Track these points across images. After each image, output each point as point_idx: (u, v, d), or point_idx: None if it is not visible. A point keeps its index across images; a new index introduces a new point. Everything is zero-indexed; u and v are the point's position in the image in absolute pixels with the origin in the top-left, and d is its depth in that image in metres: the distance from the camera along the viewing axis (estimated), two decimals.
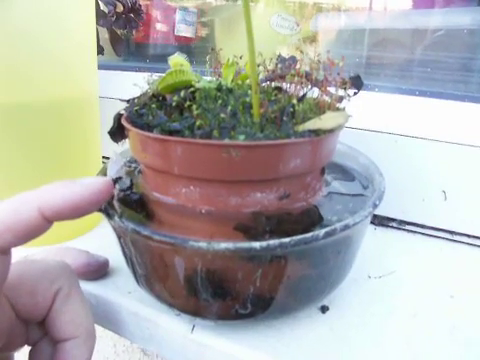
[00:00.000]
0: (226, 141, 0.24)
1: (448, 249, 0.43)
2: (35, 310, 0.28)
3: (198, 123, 0.25)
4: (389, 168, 0.39)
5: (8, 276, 0.25)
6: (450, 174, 0.43)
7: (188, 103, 0.27)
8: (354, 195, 0.33)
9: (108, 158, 0.55)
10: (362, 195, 0.33)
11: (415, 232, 0.46)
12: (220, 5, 0.76)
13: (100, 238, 0.44)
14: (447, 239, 0.45)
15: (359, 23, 0.55)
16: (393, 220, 0.46)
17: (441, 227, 0.44)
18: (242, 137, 0.25)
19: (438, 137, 0.42)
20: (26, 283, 0.28)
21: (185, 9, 0.73)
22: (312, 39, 0.60)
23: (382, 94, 0.45)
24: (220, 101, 0.27)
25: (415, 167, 0.44)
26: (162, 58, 0.76)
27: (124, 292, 0.36)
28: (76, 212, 0.25)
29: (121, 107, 0.34)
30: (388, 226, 0.47)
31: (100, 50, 0.56)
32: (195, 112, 0.26)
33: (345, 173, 0.36)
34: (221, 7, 0.76)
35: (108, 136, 0.33)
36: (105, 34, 0.63)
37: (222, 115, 0.25)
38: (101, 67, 0.49)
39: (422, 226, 0.45)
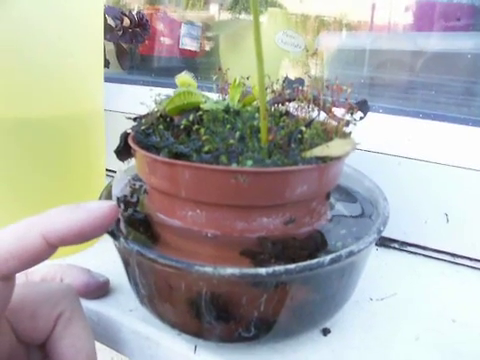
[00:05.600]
0: (234, 167, 0.25)
1: (450, 272, 0.43)
2: (36, 334, 0.27)
3: (206, 148, 0.25)
4: (392, 190, 0.39)
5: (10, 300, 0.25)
6: (453, 197, 0.43)
7: (196, 126, 0.27)
8: (358, 219, 0.33)
9: (113, 171, 0.55)
10: (366, 219, 0.33)
11: (417, 254, 0.46)
12: (224, 20, 0.77)
13: (102, 253, 0.44)
14: (449, 261, 0.45)
15: (363, 43, 0.56)
16: (395, 241, 0.46)
17: (443, 249, 0.44)
18: (250, 163, 0.25)
19: (441, 160, 0.42)
20: (28, 307, 0.28)
21: (190, 23, 0.74)
22: (317, 57, 0.60)
23: (386, 116, 0.46)
24: (228, 126, 0.27)
25: (418, 189, 0.44)
26: (167, 71, 0.77)
27: (126, 310, 0.36)
28: (80, 238, 0.25)
29: (125, 121, 0.34)
30: (390, 247, 0.47)
31: (106, 63, 0.57)
32: (203, 137, 0.26)
33: (349, 196, 0.36)
34: (226, 22, 0.77)
35: (112, 150, 0.33)
36: (110, 45, 0.64)
37: (231, 141, 0.25)
38: (106, 80, 0.49)
39: (424, 248, 0.45)
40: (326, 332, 0.34)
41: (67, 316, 0.28)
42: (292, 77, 0.36)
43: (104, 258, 0.40)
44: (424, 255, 0.46)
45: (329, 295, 0.30)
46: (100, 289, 0.37)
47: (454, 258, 0.44)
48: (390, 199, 0.34)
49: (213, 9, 0.82)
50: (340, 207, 0.34)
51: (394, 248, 0.47)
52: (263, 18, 0.73)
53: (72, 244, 0.25)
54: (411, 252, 0.46)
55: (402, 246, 0.46)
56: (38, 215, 0.25)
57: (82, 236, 0.25)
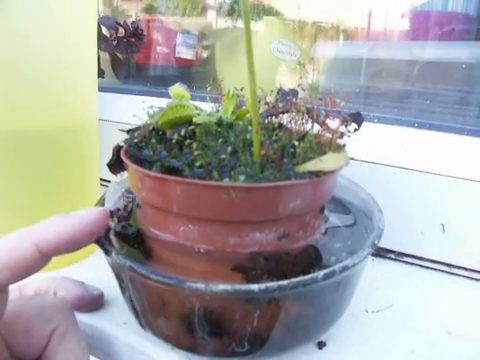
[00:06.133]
0: (226, 182, 0.24)
1: (446, 282, 0.43)
2: (30, 349, 0.27)
3: (198, 163, 0.25)
4: (387, 200, 0.39)
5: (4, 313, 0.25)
6: (449, 207, 0.43)
7: (188, 141, 0.27)
8: (353, 232, 0.33)
9: (107, 181, 0.55)
10: (361, 231, 0.32)
11: (413, 264, 0.46)
12: (221, 29, 0.77)
13: (95, 266, 0.43)
14: (445, 272, 0.44)
15: (359, 52, 0.56)
16: (391, 252, 0.46)
17: (439, 260, 0.44)
18: (242, 177, 0.25)
19: (437, 170, 0.42)
20: (21, 321, 0.27)
21: (186, 32, 0.74)
22: (313, 64, 0.60)
23: (381, 125, 0.46)
24: (221, 140, 0.27)
25: (413, 200, 0.44)
26: (163, 80, 0.77)
27: (119, 323, 0.36)
28: (73, 245, 0.25)
29: (119, 133, 0.34)
30: (386, 257, 0.47)
31: (100, 73, 0.56)
32: (195, 152, 0.26)
33: (344, 208, 0.36)
34: (222, 31, 0.77)
35: (106, 161, 0.33)
36: (105, 55, 0.63)
37: (223, 156, 0.25)
38: (101, 89, 0.49)
39: (420, 258, 0.45)
40: (321, 345, 0.34)
41: (61, 331, 0.28)
42: (288, 85, 0.36)
43: (97, 271, 0.39)
44: (420, 265, 0.45)
45: (323, 309, 0.30)
46: (94, 302, 0.37)
47: (450, 268, 0.44)
48: (386, 210, 0.34)
49: (210, 16, 0.83)
50: (334, 219, 0.34)
51: (390, 258, 0.47)
52: (259, 26, 0.74)
53: (65, 252, 0.25)
54: (407, 262, 0.46)
55: (398, 256, 0.46)
56: (29, 226, 0.25)
57: (74, 243, 0.25)
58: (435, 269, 0.45)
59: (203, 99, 0.38)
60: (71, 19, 0.39)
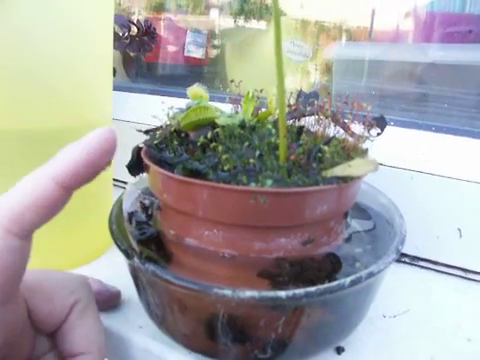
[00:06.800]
0: (255, 188, 0.24)
1: (462, 287, 0.43)
2: (50, 318, 0.27)
3: (226, 167, 0.25)
4: (404, 204, 0.39)
5: (28, 279, 0.25)
6: (466, 212, 0.42)
7: (214, 145, 0.27)
8: (373, 237, 0.32)
9: (119, 181, 0.55)
10: (382, 237, 0.32)
11: (428, 268, 0.45)
12: (230, 28, 0.76)
13: (109, 266, 0.43)
14: (461, 277, 0.44)
15: (373, 54, 0.55)
16: (406, 255, 0.46)
17: (455, 264, 0.44)
18: (269, 182, 0.24)
19: (454, 175, 0.42)
20: (45, 289, 0.27)
21: (196, 31, 0.73)
22: (326, 68, 0.60)
23: (398, 129, 0.45)
24: (246, 143, 0.27)
25: (430, 204, 0.43)
26: (172, 79, 0.76)
27: (135, 326, 0.35)
28: (91, 169, 0.24)
29: (130, 130, 0.33)
30: (400, 261, 0.46)
31: (113, 72, 0.56)
32: (223, 156, 0.25)
33: (365, 213, 0.35)
34: (231, 30, 0.76)
35: (120, 160, 0.32)
36: (116, 53, 0.63)
37: (251, 160, 0.25)
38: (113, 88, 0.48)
39: (435, 263, 0.45)
40: (340, 351, 0.34)
41: (82, 305, 0.28)
42: (293, 85, 0.36)
43: (111, 272, 0.39)
44: (436, 270, 0.45)
45: (345, 315, 0.30)
46: (112, 299, 0.37)
47: (466, 273, 0.44)
48: (402, 213, 0.34)
49: (213, 15, 0.82)
50: (356, 225, 0.33)
51: (405, 262, 0.46)
52: (267, 26, 0.73)
53: (85, 180, 0.24)
54: (423, 267, 0.46)
55: (413, 261, 0.46)
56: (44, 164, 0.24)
57: (92, 167, 0.24)
58: (451, 274, 0.44)
59: (213, 98, 0.37)
60: (87, 19, 0.38)
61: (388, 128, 0.44)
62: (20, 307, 0.25)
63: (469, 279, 0.44)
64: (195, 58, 0.75)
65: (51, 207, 0.23)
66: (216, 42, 0.78)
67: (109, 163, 0.25)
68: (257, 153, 0.26)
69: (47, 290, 0.27)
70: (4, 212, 0.22)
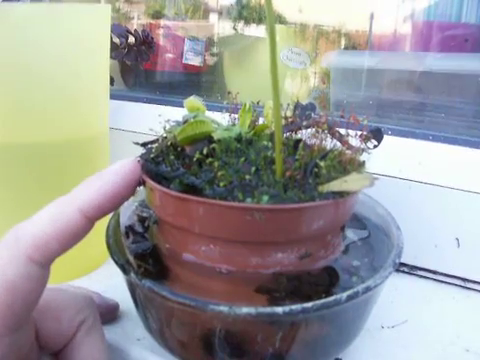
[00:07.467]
0: (251, 204, 0.24)
1: (461, 297, 0.43)
2: (57, 337, 0.27)
3: (222, 184, 0.25)
4: (402, 213, 0.39)
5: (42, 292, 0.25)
6: (464, 222, 0.42)
7: (210, 160, 0.27)
8: (371, 249, 0.32)
9: None
10: (379, 249, 0.32)
11: (427, 278, 0.45)
12: (229, 35, 0.77)
13: (107, 277, 0.43)
14: (460, 286, 0.44)
15: (371, 63, 0.55)
16: (404, 265, 0.46)
17: (454, 274, 0.44)
18: (266, 198, 0.24)
19: (452, 184, 0.42)
20: (53, 308, 0.27)
21: (194, 38, 0.74)
22: (325, 74, 0.60)
23: (395, 138, 0.45)
24: (242, 159, 0.27)
25: (428, 213, 0.43)
26: (170, 87, 0.76)
27: (133, 339, 0.35)
28: (116, 201, 0.25)
29: (127, 139, 0.33)
30: (399, 270, 0.46)
31: (110, 81, 0.56)
32: (219, 173, 0.25)
33: (361, 224, 0.35)
34: (230, 38, 0.76)
35: None
36: (113, 61, 0.63)
37: (247, 176, 0.25)
38: (110, 97, 0.48)
39: (434, 272, 0.45)
40: None
41: (89, 324, 0.28)
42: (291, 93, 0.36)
43: (108, 284, 0.39)
44: (434, 279, 0.45)
45: (344, 328, 0.30)
46: (110, 312, 0.37)
47: (465, 283, 0.44)
48: (400, 223, 0.34)
49: (212, 19, 0.82)
50: (353, 236, 0.33)
51: (403, 272, 0.46)
52: (261, 32, 0.73)
53: (109, 211, 0.25)
54: (421, 276, 0.46)
55: (412, 270, 0.46)
56: (67, 193, 0.25)
57: (117, 199, 0.25)
58: (449, 283, 0.44)
59: (211, 107, 0.37)
60: (86, 29, 0.38)
61: (385, 137, 0.45)
62: (30, 330, 0.25)
63: (468, 288, 0.44)
64: (194, 65, 0.75)
65: (75, 237, 0.24)
66: (215, 49, 0.78)
67: (133, 194, 0.26)
68: (253, 168, 0.26)
69: (55, 310, 0.27)
70: (27, 238, 0.23)
